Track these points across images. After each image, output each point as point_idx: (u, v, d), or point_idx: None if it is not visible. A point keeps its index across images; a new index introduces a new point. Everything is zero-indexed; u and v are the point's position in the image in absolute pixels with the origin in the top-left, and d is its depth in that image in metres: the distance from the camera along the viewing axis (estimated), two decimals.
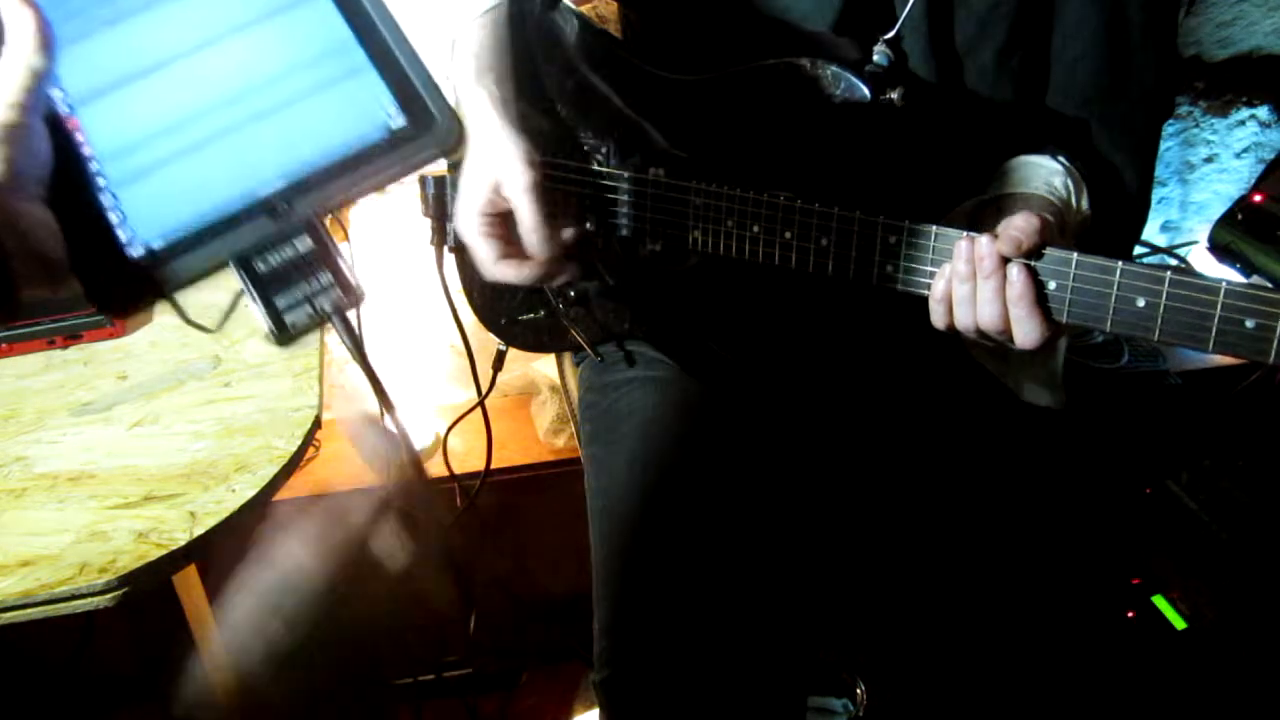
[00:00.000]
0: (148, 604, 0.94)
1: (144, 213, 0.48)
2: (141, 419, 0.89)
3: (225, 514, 0.75)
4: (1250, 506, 1.20)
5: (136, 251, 0.47)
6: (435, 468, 1.23)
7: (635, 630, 0.78)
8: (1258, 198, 1.37)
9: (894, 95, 0.74)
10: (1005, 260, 0.66)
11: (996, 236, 0.66)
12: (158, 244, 0.47)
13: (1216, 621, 1.15)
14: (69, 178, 0.48)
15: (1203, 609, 1.16)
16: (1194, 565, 1.19)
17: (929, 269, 0.71)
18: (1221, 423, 1.32)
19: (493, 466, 1.44)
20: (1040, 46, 0.81)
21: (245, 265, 0.47)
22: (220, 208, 0.47)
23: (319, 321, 0.47)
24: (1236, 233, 1.37)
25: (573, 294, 0.91)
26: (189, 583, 1.02)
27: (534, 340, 0.98)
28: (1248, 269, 1.37)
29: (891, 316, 0.90)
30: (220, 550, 0.75)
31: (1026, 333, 0.66)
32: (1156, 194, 1.63)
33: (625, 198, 0.85)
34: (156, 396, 0.92)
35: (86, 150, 0.48)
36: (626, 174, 0.84)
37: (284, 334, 0.47)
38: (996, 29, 0.78)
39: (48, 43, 0.48)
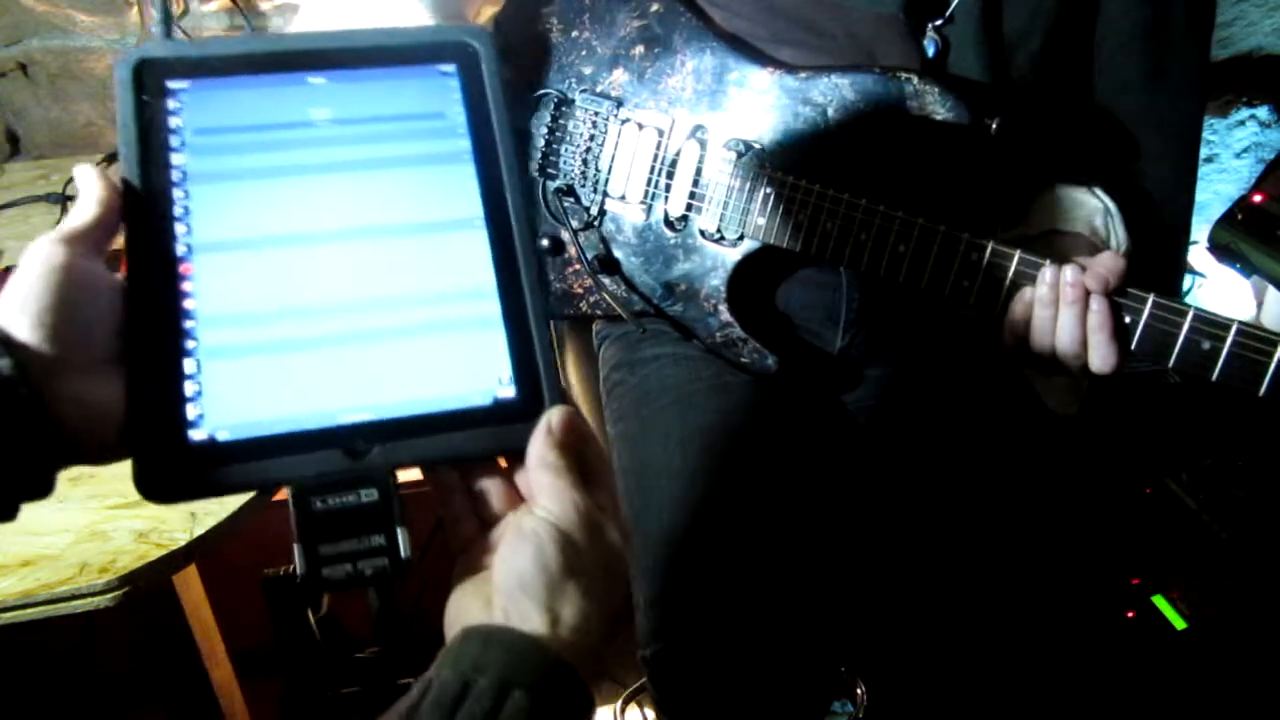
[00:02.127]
0: (148, 604, 0.94)
1: (222, 395, 0.42)
2: None
3: (225, 514, 0.74)
4: (1250, 506, 1.20)
5: (198, 435, 0.41)
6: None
7: (686, 603, 0.78)
8: (1258, 198, 1.37)
9: (993, 124, 0.76)
10: (1089, 292, 0.70)
11: (1083, 269, 0.70)
12: (224, 435, 0.41)
13: (1216, 621, 1.15)
14: (157, 325, 0.42)
15: (1203, 609, 1.16)
16: (1194, 565, 1.19)
17: (1006, 290, 0.74)
18: (1221, 423, 1.32)
19: None
20: (1085, 37, 0.82)
21: (302, 498, 0.41)
22: (300, 419, 0.42)
23: (353, 585, 0.42)
24: (1236, 233, 1.37)
25: (603, 261, 0.90)
26: (189, 583, 1.02)
27: None
28: (1248, 269, 1.37)
29: (910, 318, 0.91)
30: (220, 550, 0.75)
31: (1104, 358, 0.71)
32: None
33: (685, 173, 0.85)
34: None
35: (188, 304, 0.43)
36: (696, 150, 0.84)
37: (315, 583, 0.41)
38: (1045, 19, 0.79)
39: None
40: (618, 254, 0.90)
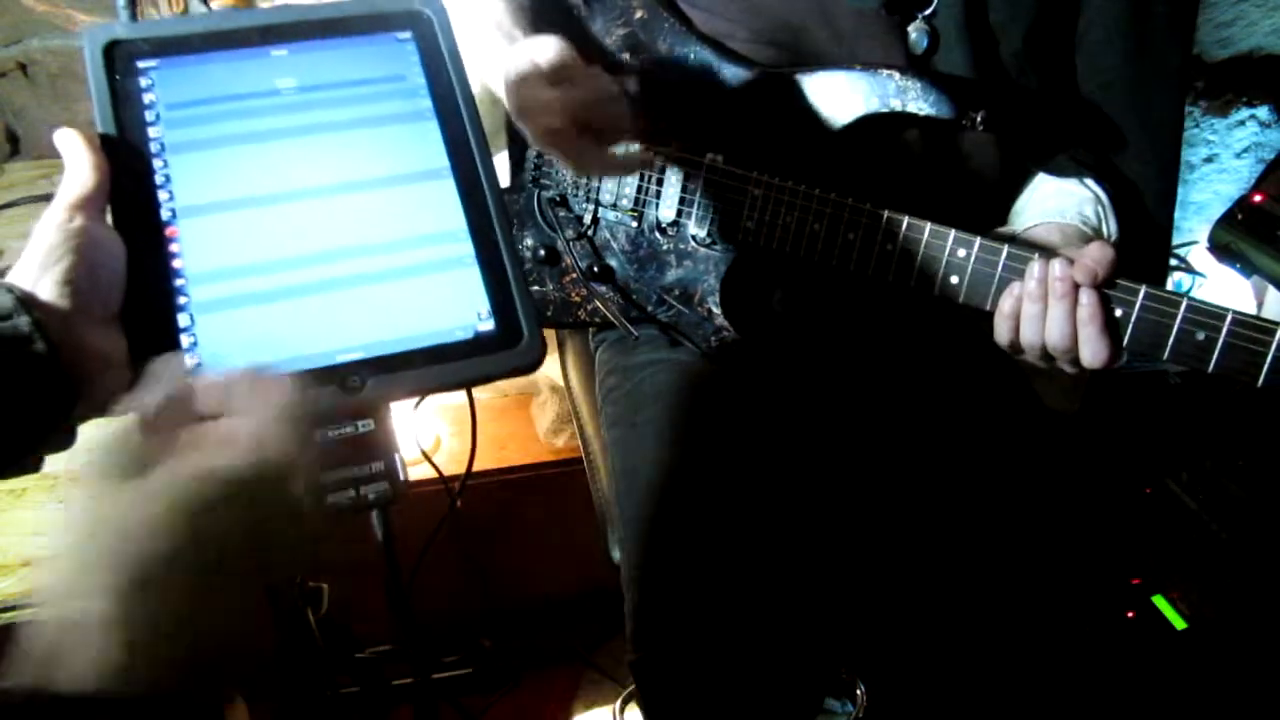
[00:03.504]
0: None
1: (217, 345, 0.45)
2: None
3: None
4: (1250, 506, 1.20)
5: None
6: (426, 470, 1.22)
7: (664, 612, 0.78)
8: (1258, 198, 1.37)
9: (978, 117, 0.76)
10: (1077, 285, 0.68)
11: (1071, 262, 0.69)
12: None
13: (1216, 621, 1.15)
14: (149, 287, 0.45)
15: (1203, 609, 1.16)
16: (1194, 565, 1.19)
17: (995, 286, 0.73)
18: (1221, 423, 1.32)
19: (493, 466, 1.45)
20: (1067, 30, 0.82)
21: None
22: (294, 361, 0.45)
23: (358, 509, 0.44)
24: (1236, 233, 1.37)
25: (597, 269, 0.90)
26: None
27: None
28: (1248, 269, 1.37)
29: (904, 316, 0.90)
30: None
31: (1095, 352, 0.70)
32: None
33: (674, 178, 0.85)
34: None
35: (177, 264, 0.46)
36: (681, 155, 0.84)
37: (321, 512, 0.42)
38: (1026, 10, 0.79)
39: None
40: (612, 262, 0.90)
